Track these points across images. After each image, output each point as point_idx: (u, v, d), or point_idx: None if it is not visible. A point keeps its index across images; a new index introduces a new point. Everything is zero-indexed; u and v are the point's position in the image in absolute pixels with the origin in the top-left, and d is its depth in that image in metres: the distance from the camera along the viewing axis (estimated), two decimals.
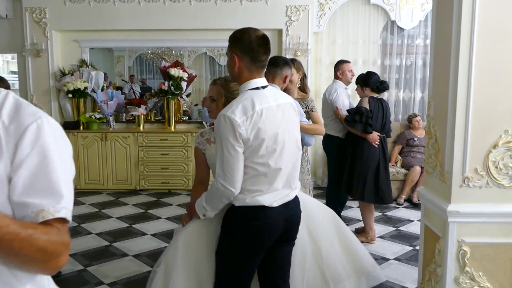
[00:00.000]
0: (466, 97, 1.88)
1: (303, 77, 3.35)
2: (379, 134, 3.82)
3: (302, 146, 2.97)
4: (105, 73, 6.49)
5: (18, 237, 0.82)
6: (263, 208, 1.84)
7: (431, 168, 2.17)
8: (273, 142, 1.82)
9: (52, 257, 0.90)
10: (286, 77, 2.86)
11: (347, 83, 4.29)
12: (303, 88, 3.34)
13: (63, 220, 0.92)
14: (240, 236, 1.88)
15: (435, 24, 2.13)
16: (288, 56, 5.77)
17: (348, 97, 4.26)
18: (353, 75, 4.29)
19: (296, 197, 2.02)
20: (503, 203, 1.94)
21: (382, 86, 3.85)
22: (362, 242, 3.93)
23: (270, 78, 2.83)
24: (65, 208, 0.92)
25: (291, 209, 1.96)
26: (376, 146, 3.80)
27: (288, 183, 1.93)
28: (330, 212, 2.47)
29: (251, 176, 1.82)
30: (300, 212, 2.05)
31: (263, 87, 1.87)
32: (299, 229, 2.08)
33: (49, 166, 0.92)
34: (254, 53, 1.82)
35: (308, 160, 3.32)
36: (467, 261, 1.97)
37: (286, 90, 3.12)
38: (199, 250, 2.03)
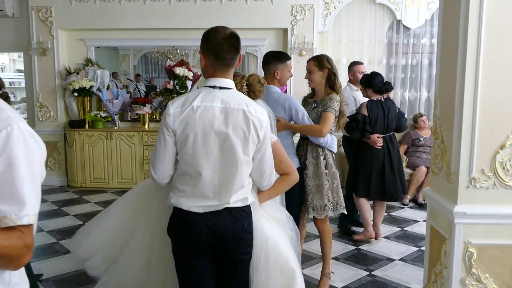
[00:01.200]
0: (473, 97, 1.86)
1: (330, 75, 2.96)
2: (381, 135, 3.85)
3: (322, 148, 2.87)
4: (114, 72, 6.52)
5: None
6: (186, 211, 1.75)
7: (437, 169, 2.15)
8: (202, 143, 1.72)
9: (13, 260, 0.96)
10: (275, 72, 2.84)
11: (358, 84, 4.26)
12: (332, 86, 2.99)
13: (28, 224, 0.96)
14: (172, 239, 1.83)
15: (442, 23, 2.11)
16: (293, 56, 5.77)
17: (353, 101, 4.25)
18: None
19: (238, 212, 1.80)
20: (510, 205, 1.91)
21: (384, 87, 3.86)
22: (360, 240, 3.95)
23: (265, 76, 2.83)
24: (27, 215, 0.96)
25: (224, 222, 1.77)
26: (379, 147, 3.84)
27: (218, 194, 1.76)
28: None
29: (180, 174, 1.78)
30: (241, 228, 1.80)
31: (220, 88, 1.78)
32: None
33: (14, 174, 0.94)
34: (218, 51, 1.76)
35: (330, 180, 2.94)
36: (473, 263, 1.95)
37: (313, 89, 3.08)
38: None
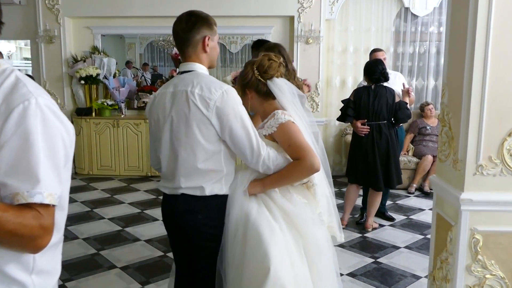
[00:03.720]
0: (482, 84, 1.85)
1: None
2: (368, 122, 3.84)
3: None
4: (128, 61, 6.54)
5: None
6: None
7: (444, 156, 2.15)
8: (158, 128, 1.82)
9: (27, 240, 0.91)
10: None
11: None
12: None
13: (46, 204, 0.92)
14: None
15: (450, 10, 2.09)
16: (300, 44, 5.74)
17: None
18: None
19: (194, 201, 1.76)
20: None
21: (373, 77, 3.84)
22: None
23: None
24: (40, 193, 0.90)
25: (178, 207, 1.79)
26: (362, 135, 3.85)
27: (173, 177, 1.78)
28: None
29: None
30: (196, 220, 1.77)
31: (182, 73, 1.82)
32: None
33: (30, 150, 0.91)
34: (174, 34, 1.84)
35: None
36: (479, 250, 1.96)
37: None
38: None
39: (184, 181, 1.75)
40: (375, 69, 3.82)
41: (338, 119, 4.13)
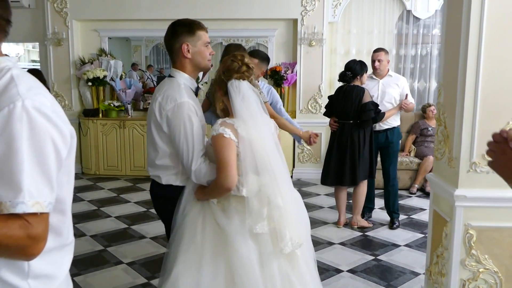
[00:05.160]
0: (475, 84, 1.92)
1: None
2: (338, 120, 4.00)
3: None
4: (134, 64, 6.69)
5: None
6: None
7: (440, 154, 2.22)
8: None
9: (15, 250, 0.87)
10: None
11: (374, 72, 4.26)
12: None
13: (34, 213, 0.87)
14: None
15: (446, 13, 2.17)
16: (303, 46, 5.82)
17: (374, 88, 4.21)
18: (375, 65, 4.16)
19: (156, 186, 2.05)
20: (509, 188, 1.97)
21: (341, 78, 4.03)
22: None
23: None
24: (23, 203, 0.85)
25: (151, 189, 2.12)
26: (332, 130, 4.09)
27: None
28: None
29: None
30: (157, 203, 2.13)
31: (169, 76, 2.07)
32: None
33: (13, 157, 0.85)
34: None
35: None
36: (473, 244, 2.03)
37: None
38: None
39: (150, 169, 2.07)
40: (344, 69, 3.99)
41: (324, 114, 4.38)
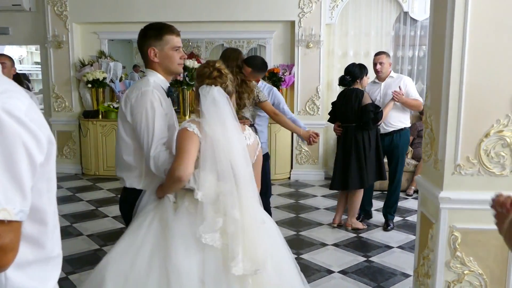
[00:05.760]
0: (459, 87, 1.94)
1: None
2: (341, 124, 4.03)
3: None
4: (135, 65, 6.78)
5: None
6: None
7: (427, 157, 2.24)
8: None
9: None
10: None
11: (376, 75, 4.27)
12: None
13: (1, 222, 0.81)
14: None
15: (432, 16, 2.20)
16: (300, 48, 5.85)
17: (374, 91, 4.24)
18: (377, 68, 4.17)
19: (124, 190, 2.08)
20: (494, 191, 1.98)
21: (339, 81, 4.11)
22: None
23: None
24: None
25: (120, 195, 2.17)
26: (337, 135, 4.16)
27: None
28: None
29: None
30: (122, 203, 2.15)
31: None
32: None
33: None
34: None
35: None
36: (458, 246, 2.04)
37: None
38: None
39: (117, 170, 2.08)
40: (344, 73, 4.04)
41: (328, 120, 4.42)
